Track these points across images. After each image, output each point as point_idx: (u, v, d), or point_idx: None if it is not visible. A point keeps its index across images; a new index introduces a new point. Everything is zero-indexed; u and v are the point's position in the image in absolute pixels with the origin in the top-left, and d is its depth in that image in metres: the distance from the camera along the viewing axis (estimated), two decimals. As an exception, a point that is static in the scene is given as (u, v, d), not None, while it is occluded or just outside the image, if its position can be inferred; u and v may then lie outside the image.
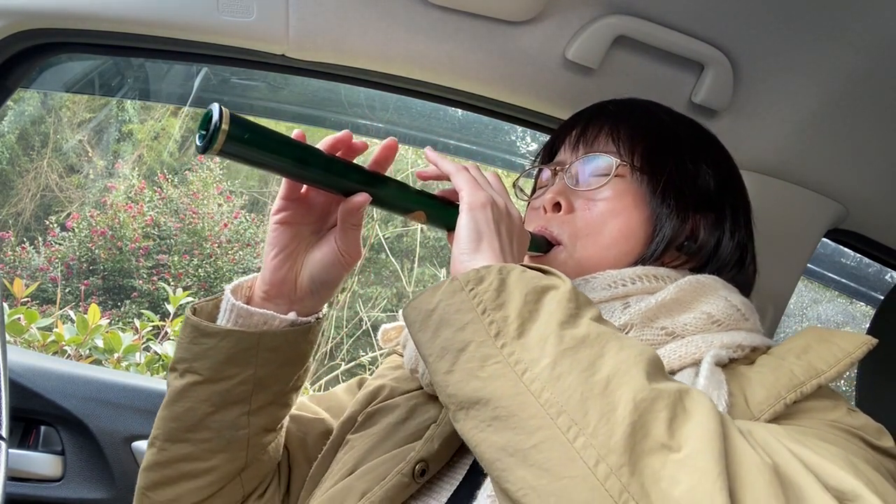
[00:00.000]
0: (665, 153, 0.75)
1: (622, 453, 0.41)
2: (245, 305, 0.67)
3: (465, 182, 0.62)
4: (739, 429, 0.46)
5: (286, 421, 0.77)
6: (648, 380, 0.45)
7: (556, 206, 0.76)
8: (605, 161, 0.75)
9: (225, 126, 0.52)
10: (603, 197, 0.74)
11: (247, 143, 0.54)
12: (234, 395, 0.68)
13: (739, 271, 0.77)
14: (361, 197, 0.62)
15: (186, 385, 0.67)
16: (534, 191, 0.87)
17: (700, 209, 0.75)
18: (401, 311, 0.85)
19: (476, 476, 0.64)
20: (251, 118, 0.55)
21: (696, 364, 0.63)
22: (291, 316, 0.69)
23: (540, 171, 0.85)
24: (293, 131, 0.62)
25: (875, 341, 0.61)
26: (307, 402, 0.85)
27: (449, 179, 0.65)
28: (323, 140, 0.64)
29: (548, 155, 0.85)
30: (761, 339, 0.67)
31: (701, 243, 0.75)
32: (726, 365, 0.63)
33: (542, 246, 0.74)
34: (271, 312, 0.68)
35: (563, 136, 0.82)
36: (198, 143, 0.54)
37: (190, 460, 0.69)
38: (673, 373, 0.63)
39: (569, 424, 0.43)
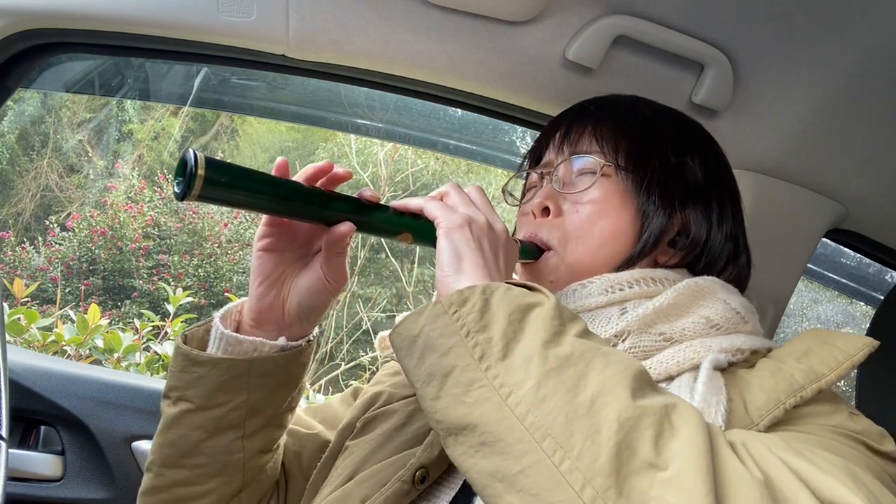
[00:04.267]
0: (648, 149, 0.75)
1: (608, 475, 0.41)
2: (234, 333, 0.67)
3: (436, 209, 0.62)
4: (730, 441, 0.45)
5: (283, 440, 0.77)
6: (633, 397, 0.45)
7: (545, 211, 0.76)
8: (589, 162, 0.75)
9: (201, 171, 0.51)
10: (590, 198, 0.74)
11: (225, 185, 0.54)
12: (227, 421, 0.68)
13: (735, 266, 0.77)
14: (346, 226, 0.62)
15: (179, 413, 0.68)
16: (523, 195, 0.87)
17: (688, 202, 0.75)
18: (397, 319, 0.85)
19: None
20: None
21: (695, 369, 0.62)
22: (281, 341, 0.69)
23: (528, 174, 0.85)
24: (276, 160, 0.62)
25: (876, 343, 0.60)
26: (302, 415, 0.85)
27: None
28: (303, 170, 0.64)
29: (534, 158, 0.84)
30: (761, 341, 0.67)
31: (693, 237, 0.74)
32: (726, 369, 0.63)
33: (532, 253, 0.74)
34: (260, 339, 0.68)
35: (547, 137, 0.82)
36: (175, 190, 0.54)
37: (186, 485, 0.70)
38: (672, 378, 0.62)
39: (554, 448, 0.43)
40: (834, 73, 0.95)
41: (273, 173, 0.61)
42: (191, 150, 0.52)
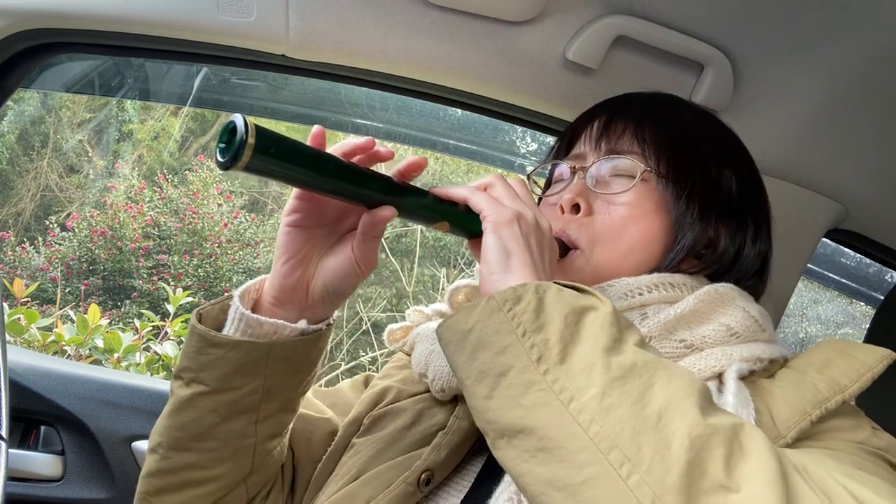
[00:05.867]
0: (690, 160, 0.73)
1: (679, 493, 0.39)
2: (254, 315, 0.64)
3: (483, 201, 0.59)
4: (795, 466, 0.44)
5: (291, 424, 0.75)
6: (703, 414, 0.43)
7: (575, 208, 0.74)
8: (629, 164, 0.73)
9: (251, 140, 0.48)
10: (624, 201, 0.72)
11: (273, 156, 0.50)
12: (241, 405, 0.65)
13: (758, 281, 0.76)
14: (388, 211, 0.60)
15: (192, 395, 0.65)
16: (548, 184, 0.85)
17: (722, 217, 0.74)
18: (407, 312, 0.85)
19: (486, 484, 0.63)
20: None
21: (716, 377, 0.62)
22: (302, 324, 0.66)
23: (555, 164, 0.82)
24: (313, 127, 0.59)
25: (895, 356, 0.61)
26: (312, 399, 0.84)
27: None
28: (342, 143, 0.61)
29: (565, 147, 0.82)
30: (780, 350, 0.66)
31: (721, 251, 0.73)
32: (746, 377, 0.62)
33: (558, 250, 0.72)
34: (282, 322, 0.65)
35: (581, 128, 0.80)
36: (220, 158, 0.50)
37: (195, 469, 0.68)
38: None
39: (621, 461, 0.41)
40: (834, 73, 0.95)
41: (309, 143, 0.58)
42: (239, 116, 0.49)
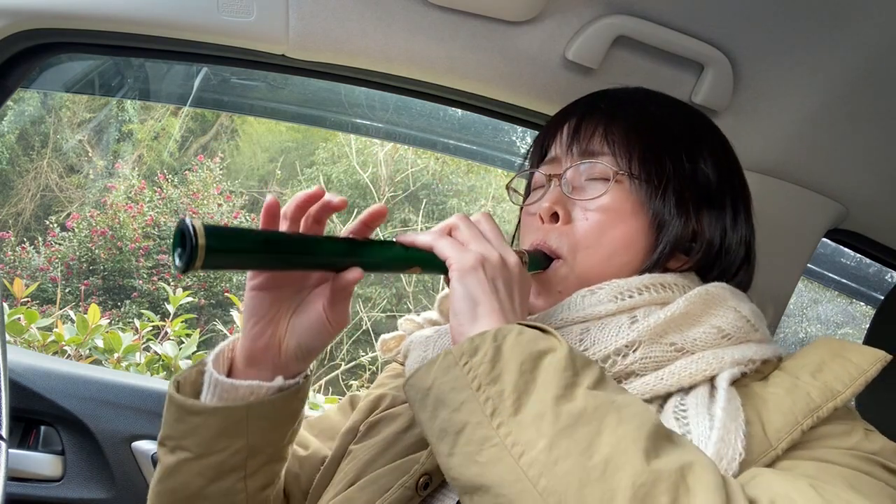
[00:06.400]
0: (662, 156, 0.73)
1: None
2: (228, 380, 0.64)
3: (447, 248, 0.60)
4: (752, 498, 0.44)
5: (284, 470, 0.75)
6: (647, 459, 0.44)
7: (554, 216, 0.73)
8: (601, 168, 0.73)
9: (202, 241, 0.49)
10: (601, 205, 0.72)
11: (228, 251, 0.52)
12: (227, 466, 0.65)
13: (746, 270, 0.76)
14: (355, 273, 0.59)
15: (177, 462, 0.65)
16: (527, 192, 0.84)
17: (702, 208, 0.73)
18: (399, 322, 0.85)
19: None
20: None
21: (708, 381, 0.62)
22: (278, 381, 0.65)
23: (533, 172, 0.82)
24: (266, 197, 0.60)
25: (889, 357, 0.60)
26: (300, 431, 0.83)
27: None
28: (294, 198, 0.61)
29: (539, 152, 0.81)
30: (772, 350, 0.66)
31: (707, 242, 0.73)
32: (738, 380, 0.62)
33: (541, 262, 0.72)
34: (257, 382, 0.64)
35: (554, 131, 0.79)
36: (177, 263, 0.51)
37: None
38: (685, 390, 0.62)
39: None
40: (834, 72, 0.95)
41: (262, 214, 0.59)
42: (186, 220, 0.50)
